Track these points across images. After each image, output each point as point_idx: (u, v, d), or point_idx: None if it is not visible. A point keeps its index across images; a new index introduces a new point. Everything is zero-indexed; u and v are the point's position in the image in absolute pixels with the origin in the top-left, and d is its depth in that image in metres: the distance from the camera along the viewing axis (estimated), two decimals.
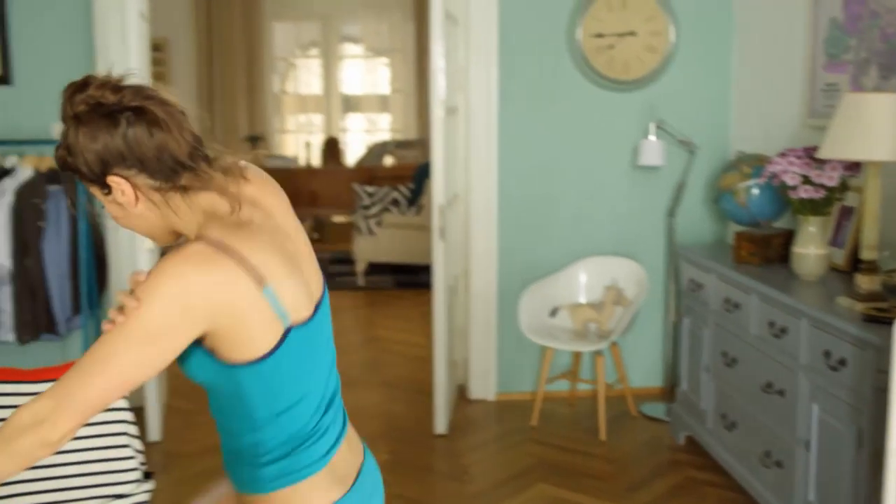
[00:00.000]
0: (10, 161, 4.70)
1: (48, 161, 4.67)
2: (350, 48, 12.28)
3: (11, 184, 4.55)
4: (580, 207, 5.11)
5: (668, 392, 5.03)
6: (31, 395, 2.54)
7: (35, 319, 4.61)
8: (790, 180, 3.61)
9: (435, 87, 4.47)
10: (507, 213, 5.09)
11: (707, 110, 5.06)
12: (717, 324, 4.08)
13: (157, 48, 9.83)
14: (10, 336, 4.59)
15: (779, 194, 4.09)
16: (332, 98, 12.18)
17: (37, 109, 4.84)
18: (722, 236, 5.08)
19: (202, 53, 11.42)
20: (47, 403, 1.54)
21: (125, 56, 4.50)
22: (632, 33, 4.97)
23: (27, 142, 4.72)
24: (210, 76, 11.49)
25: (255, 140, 11.51)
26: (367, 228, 8.38)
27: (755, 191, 4.24)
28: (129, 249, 4.87)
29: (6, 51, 4.81)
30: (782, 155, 3.71)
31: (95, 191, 1.68)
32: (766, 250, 3.96)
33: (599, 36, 4.96)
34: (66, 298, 4.72)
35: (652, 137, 4.81)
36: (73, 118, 1.63)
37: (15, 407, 2.45)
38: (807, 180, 3.56)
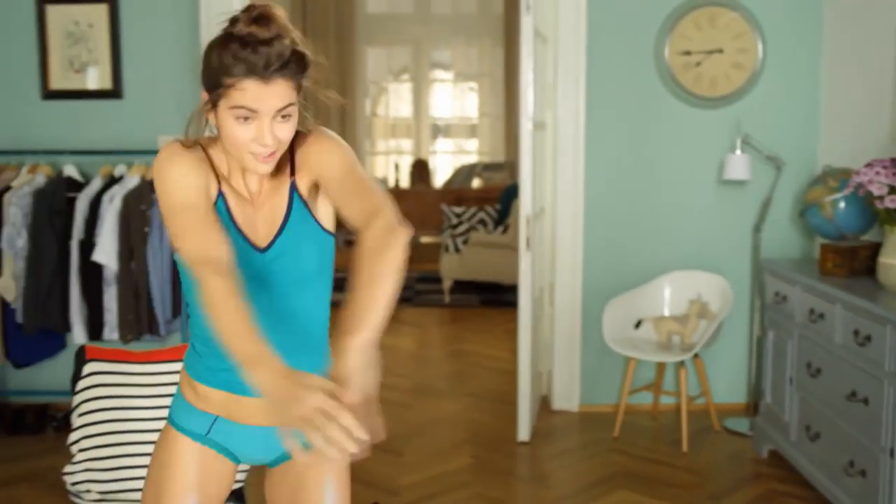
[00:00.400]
0: (119, 170, 4.97)
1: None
2: (440, 73, 12.51)
3: (120, 191, 4.81)
4: (665, 222, 5.16)
5: (752, 408, 5.02)
6: (139, 375, 2.73)
7: (138, 320, 4.84)
8: (876, 190, 3.63)
9: (524, 101, 4.59)
10: (592, 226, 5.17)
11: (794, 126, 5.07)
12: (801, 335, 4.09)
13: None
14: (115, 335, 4.84)
15: (865, 207, 4.10)
16: (422, 122, 12.41)
17: (145, 121, 5.11)
18: (809, 252, 5.07)
19: None
20: None
21: None
22: (719, 50, 5.02)
23: (135, 152, 4.99)
24: (305, 98, 11.82)
25: None
26: (453, 247, 8.52)
27: (842, 204, 4.24)
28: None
29: (118, 67, 5.10)
30: (869, 165, 3.73)
31: (293, 94, 1.86)
32: (852, 262, 3.96)
33: (687, 53, 5.03)
34: (166, 301, 4.95)
35: (738, 152, 4.85)
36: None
37: (127, 385, 2.63)
38: (893, 190, 3.57)
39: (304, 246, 1.98)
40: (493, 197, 10.42)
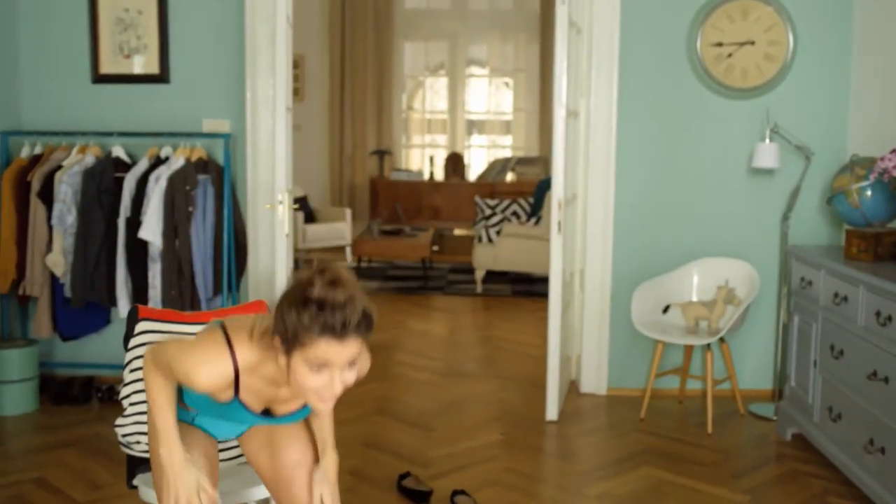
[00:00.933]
0: (165, 151, 5.15)
1: (199, 152, 5.11)
2: (476, 69, 12.64)
3: (166, 171, 4.99)
4: (695, 209, 5.26)
5: (778, 395, 5.10)
6: (187, 335, 2.88)
7: (180, 295, 5.02)
8: None
9: (558, 89, 4.71)
10: (622, 213, 5.28)
11: (824, 117, 5.15)
12: (825, 318, 4.18)
13: (293, 65, 10.37)
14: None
15: (891, 195, 4.18)
16: (457, 117, 12.54)
17: (190, 105, 5.29)
18: (836, 240, 5.15)
19: (335, 71, 11.95)
20: None
21: (272, 58, 4.92)
22: (751, 42, 5.11)
23: (180, 134, 5.17)
24: (342, 92, 12.00)
25: (383, 154, 11.96)
26: (486, 238, 8.65)
27: (868, 192, 4.33)
28: (268, 237, 5.26)
29: (165, 53, 5.28)
30: (893, 151, 3.81)
31: (361, 346, 2.13)
32: (877, 247, 4.05)
33: (718, 45, 5.13)
34: (208, 279, 5.12)
35: (767, 141, 4.94)
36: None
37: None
38: None
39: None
40: (526, 190, 10.54)
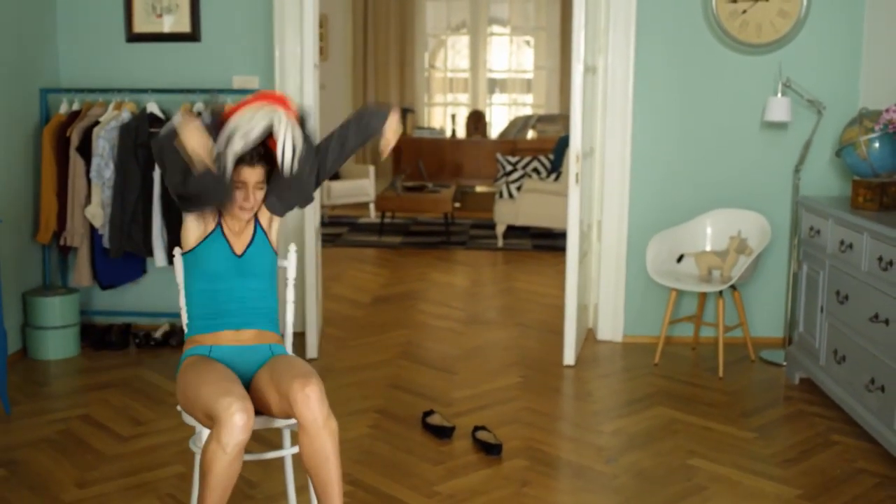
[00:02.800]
0: (197, 107, 5.35)
1: (229, 108, 5.29)
2: (497, 28, 12.73)
3: None
4: (709, 162, 5.41)
5: (788, 342, 5.28)
6: None
7: None
8: None
9: (576, 45, 4.87)
10: (639, 166, 5.45)
11: (837, 72, 5.28)
12: (832, 265, 4.35)
13: (318, 24, 10.54)
14: None
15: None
16: (479, 76, 12.66)
17: (220, 63, 5.49)
18: (845, 191, 5.29)
19: (358, 30, 12.09)
20: None
21: (300, 12, 5.10)
22: None
23: (212, 90, 5.36)
24: (365, 51, 12.15)
25: (405, 112, 12.11)
26: (507, 193, 8.82)
27: (876, 144, 4.47)
28: None
29: (196, 12, 5.46)
30: None
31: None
32: (882, 196, 4.20)
33: (733, 1, 5.25)
34: None
35: (779, 95, 5.08)
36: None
37: None
38: None
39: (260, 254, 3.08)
40: (547, 148, 10.68)
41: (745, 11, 5.25)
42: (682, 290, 5.05)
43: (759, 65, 5.31)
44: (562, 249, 8.18)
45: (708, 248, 5.30)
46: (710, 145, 5.42)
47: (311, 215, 5.10)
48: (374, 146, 12.33)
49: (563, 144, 9.67)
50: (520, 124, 11.83)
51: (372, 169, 10.45)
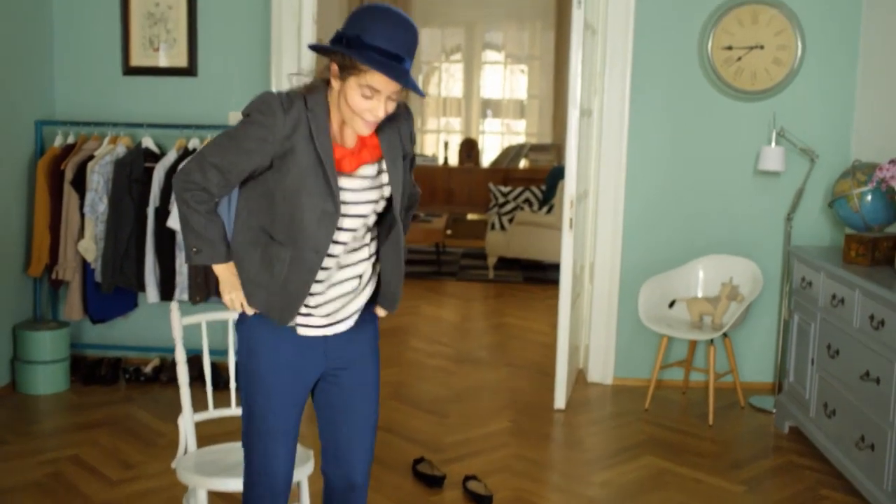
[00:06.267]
0: (192, 143, 5.35)
1: None
2: (491, 55, 12.79)
3: None
4: (702, 207, 5.44)
5: (778, 388, 5.30)
6: None
7: (206, 282, 5.23)
8: None
9: (573, 90, 4.89)
10: (632, 209, 5.47)
11: (829, 121, 5.32)
12: (823, 318, 4.37)
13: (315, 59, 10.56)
14: (185, 296, 5.23)
15: (888, 199, 4.36)
16: (472, 102, 12.71)
17: (216, 98, 5.49)
18: (837, 241, 5.32)
19: None
20: None
21: (298, 52, 5.12)
22: (760, 46, 5.27)
23: (207, 126, 5.36)
24: None
25: None
26: (499, 225, 8.84)
27: (868, 197, 4.50)
28: None
29: (194, 47, 5.47)
30: (892, 162, 3.99)
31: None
32: (874, 251, 4.23)
33: (729, 48, 5.29)
34: None
35: (773, 144, 5.11)
36: None
37: None
38: None
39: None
40: (539, 178, 10.72)
41: (740, 58, 5.29)
42: (673, 336, 5.06)
43: (753, 111, 5.35)
44: (552, 282, 8.22)
45: (700, 294, 5.33)
46: (702, 190, 5.45)
47: None
48: None
49: (554, 175, 9.71)
50: (512, 153, 11.88)
51: None
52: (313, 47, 2.45)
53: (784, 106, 5.30)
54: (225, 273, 2.57)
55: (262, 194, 2.49)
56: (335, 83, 2.41)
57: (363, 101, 2.37)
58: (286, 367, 2.58)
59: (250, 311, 2.56)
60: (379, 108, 2.38)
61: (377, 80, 2.33)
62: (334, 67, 2.40)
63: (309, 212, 2.43)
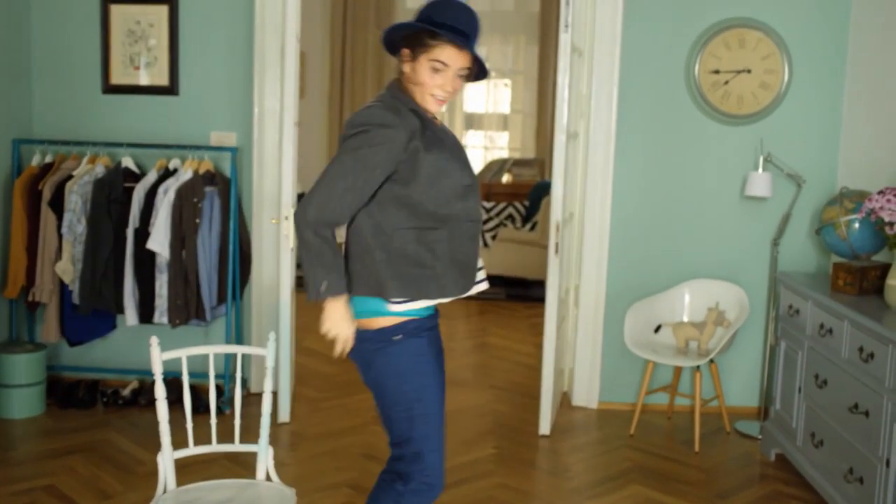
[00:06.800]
0: (173, 163, 5.28)
1: (206, 164, 5.23)
2: None
3: (174, 184, 5.12)
4: (688, 232, 5.41)
5: (763, 412, 5.27)
6: None
7: (186, 305, 5.16)
8: (887, 216, 3.87)
9: (559, 114, 4.85)
10: (618, 232, 5.43)
11: (816, 146, 5.30)
12: (811, 347, 4.34)
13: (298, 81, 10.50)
14: (164, 318, 5.15)
15: (877, 229, 4.34)
16: (455, 115, 12.66)
17: (198, 117, 5.42)
18: (824, 267, 5.31)
19: (335, 67, 12.05)
20: None
21: (281, 71, 5.05)
22: (747, 70, 5.25)
23: (189, 146, 5.29)
24: (342, 89, 12.11)
25: None
26: (482, 242, 8.78)
27: (856, 225, 4.48)
28: (272, 247, 5.40)
29: (175, 65, 5.39)
30: (881, 193, 3.97)
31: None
32: (862, 281, 4.20)
33: (716, 72, 5.27)
34: (213, 289, 5.26)
35: (760, 170, 5.09)
36: None
37: None
38: None
39: None
40: (522, 193, 10.67)
41: (727, 82, 5.27)
42: (659, 363, 5.02)
43: (740, 135, 5.32)
44: (535, 300, 8.18)
45: (685, 319, 5.29)
46: (689, 213, 5.41)
47: (287, 272, 5.00)
48: None
49: (538, 190, 9.68)
50: (496, 168, 11.83)
51: None
52: (391, 28, 2.69)
53: (771, 130, 5.28)
54: (342, 306, 2.64)
55: (391, 200, 2.64)
56: (407, 67, 2.66)
57: (434, 75, 2.62)
58: (437, 360, 2.84)
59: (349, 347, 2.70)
60: (447, 84, 2.63)
61: (446, 53, 2.60)
62: (405, 51, 2.67)
63: (451, 189, 2.67)
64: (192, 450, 3.14)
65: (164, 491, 3.01)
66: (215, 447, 3.18)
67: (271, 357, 3.14)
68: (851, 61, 5.22)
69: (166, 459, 3.03)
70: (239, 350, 3.24)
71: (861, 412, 3.76)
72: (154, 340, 2.99)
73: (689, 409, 5.39)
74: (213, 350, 3.16)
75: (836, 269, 4.31)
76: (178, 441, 3.18)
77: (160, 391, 3.02)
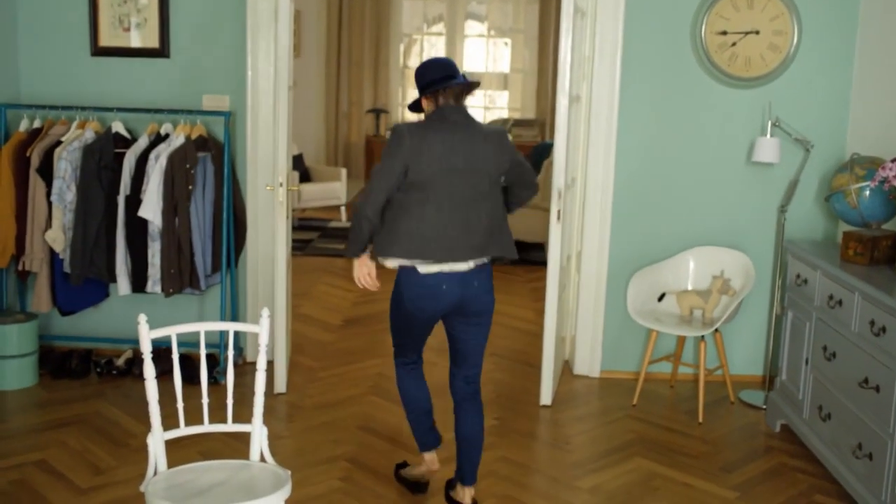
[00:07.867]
0: (165, 128, 5.14)
1: (199, 129, 5.09)
2: (474, 26, 12.53)
3: (166, 149, 4.98)
4: (693, 198, 5.28)
5: (768, 381, 5.18)
6: None
7: (180, 274, 5.04)
8: None
9: (562, 77, 4.71)
10: (621, 198, 5.31)
11: (825, 110, 5.16)
12: (819, 318, 4.24)
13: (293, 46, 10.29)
14: (157, 287, 5.04)
15: (889, 198, 4.21)
16: None
17: (190, 81, 5.27)
18: (832, 234, 5.19)
19: (332, 26, 11.84)
20: None
21: (274, 32, 4.89)
22: (755, 32, 5.10)
23: (180, 111, 5.14)
24: (339, 49, 11.91)
25: (379, 113, 11.90)
26: None
27: (866, 193, 4.36)
28: (267, 214, 5.27)
29: (165, 27, 5.23)
30: (895, 160, 3.84)
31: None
32: (873, 251, 4.09)
33: (723, 33, 5.11)
34: (207, 256, 5.15)
35: (768, 135, 4.95)
36: None
37: None
38: None
39: None
40: (523, 153, 10.51)
41: (734, 44, 5.12)
42: (662, 332, 4.92)
43: (747, 99, 5.18)
44: (535, 263, 8.07)
45: (690, 287, 5.18)
46: (694, 179, 5.28)
47: (282, 239, 4.86)
48: (345, 142, 12.13)
49: (539, 152, 9.53)
50: None
51: (344, 171, 10.24)
52: (416, 101, 3.67)
53: (778, 93, 5.14)
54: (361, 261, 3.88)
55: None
56: (428, 106, 3.60)
57: None
58: None
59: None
60: None
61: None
62: (424, 101, 3.60)
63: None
64: (184, 430, 3.05)
65: (155, 473, 2.92)
66: (207, 427, 3.10)
67: (265, 334, 3.04)
68: (862, 23, 5.06)
69: (156, 441, 2.94)
70: (231, 327, 3.13)
71: (871, 387, 3.66)
72: (142, 318, 2.88)
73: (693, 378, 5.30)
74: (205, 327, 3.06)
75: (847, 238, 4.20)
76: (170, 415, 3.10)
77: (149, 371, 2.93)
